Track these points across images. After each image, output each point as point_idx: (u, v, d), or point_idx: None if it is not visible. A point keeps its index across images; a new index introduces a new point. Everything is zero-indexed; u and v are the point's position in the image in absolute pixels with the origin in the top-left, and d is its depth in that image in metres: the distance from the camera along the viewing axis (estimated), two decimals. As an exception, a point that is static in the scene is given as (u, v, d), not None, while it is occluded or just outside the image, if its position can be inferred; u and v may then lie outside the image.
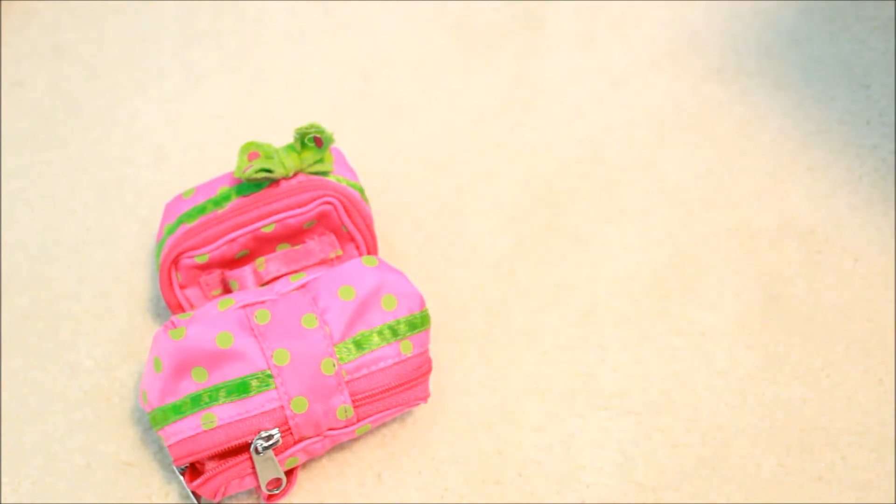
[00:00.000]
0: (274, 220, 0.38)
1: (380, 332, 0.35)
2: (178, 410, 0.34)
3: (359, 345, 0.35)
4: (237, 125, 0.49)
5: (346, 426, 0.35)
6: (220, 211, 0.38)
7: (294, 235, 0.39)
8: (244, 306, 0.36)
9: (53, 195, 0.47)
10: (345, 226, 0.39)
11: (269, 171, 0.38)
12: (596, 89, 0.50)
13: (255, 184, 0.39)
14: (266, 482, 0.35)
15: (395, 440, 0.39)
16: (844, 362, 0.41)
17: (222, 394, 0.34)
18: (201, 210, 0.39)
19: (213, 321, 0.35)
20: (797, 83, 0.50)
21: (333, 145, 0.39)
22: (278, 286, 0.37)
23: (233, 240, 0.38)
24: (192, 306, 0.40)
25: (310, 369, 0.34)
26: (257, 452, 0.34)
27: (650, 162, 0.47)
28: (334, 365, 0.35)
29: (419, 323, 0.36)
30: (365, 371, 0.35)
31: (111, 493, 0.38)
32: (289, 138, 0.48)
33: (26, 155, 0.49)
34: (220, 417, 0.34)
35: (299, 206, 0.38)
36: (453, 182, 0.47)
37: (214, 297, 0.40)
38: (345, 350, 0.35)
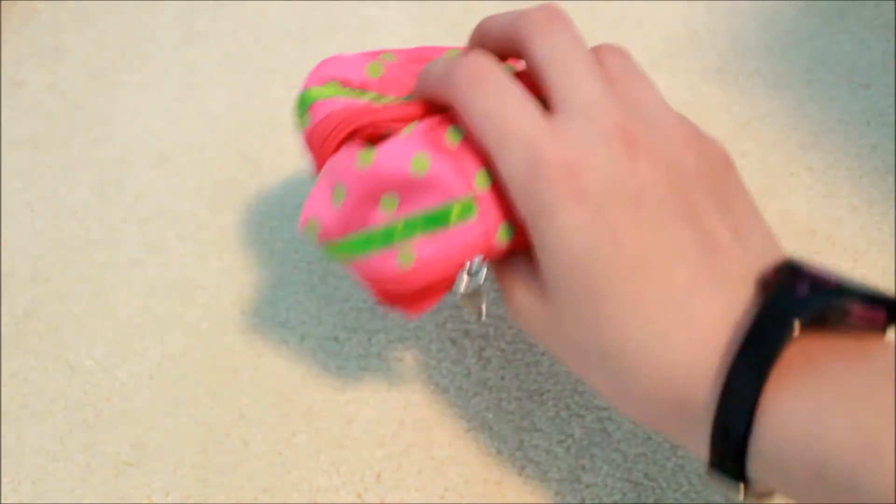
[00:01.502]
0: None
1: None
2: (366, 244, 0.30)
3: None
4: (237, 125, 0.49)
5: None
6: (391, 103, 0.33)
7: None
8: (431, 128, 0.31)
9: (53, 195, 0.47)
10: None
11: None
12: (596, 89, 0.50)
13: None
14: (472, 313, 0.31)
15: (394, 440, 0.39)
16: (844, 362, 0.41)
17: (420, 224, 0.29)
18: (361, 94, 0.33)
19: (405, 143, 0.30)
20: (797, 83, 0.50)
21: None
22: None
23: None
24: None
25: None
26: (464, 290, 0.30)
27: (650, 162, 0.47)
28: None
29: None
30: None
31: (111, 493, 0.38)
32: (288, 138, 0.48)
33: (26, 155, 0.49)
34: (420, 255, 0.29)
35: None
36: (453, 182, 0.47)
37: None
38: None
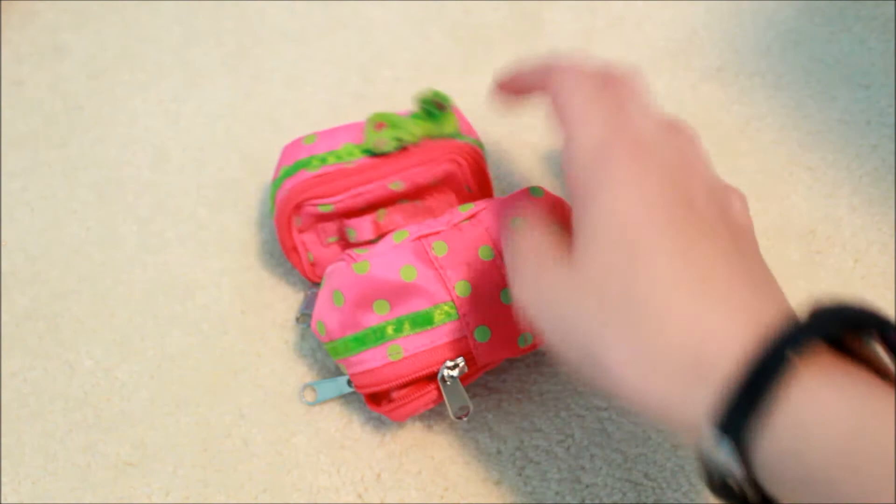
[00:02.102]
0: (402, 176, 0.39)
1: None
2: (361, 342, 0.35)
3: None
4: (237, 125, 0.49)
5: (524, 351, 0.36)
6: (347, 166, 0.39)
7: (418, 193, 0.40)
8: (420, 237, 0.36)
9: (53, 195, 0.47)
10: (467, 185, 0.41)
11: (400, 139, 0.39)
12: (596, 89, 0.50)
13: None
14: (455, 409, 0.36)
15: (394, 440, 0.39)
16: (844, 362, 0.41)
17: (408, 325, 0.35)
18: (323, 160, 0.40)
19: (395, 254, 0.36)
20: (797, 83, 0.50)
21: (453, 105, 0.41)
22: (448, 216, 0.38)
23: (358, 194, 0.39)
24: (306, 250, 0.40)
25: (490, 299, 0.35)
26: (444, 382, 0.35)
27: (650, 162, 0.47)
28: None
29: None
30: None
31: (111, 493, 0.38)
32: (289, 138, 0.48)
33: (26, 155, 0.49)
34: (407, 349, 0.35)
35: (429, 163, 0.39)
36: (453, 182, 0.47)
37: (330, 244, 0.41)
38: None
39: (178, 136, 0.49)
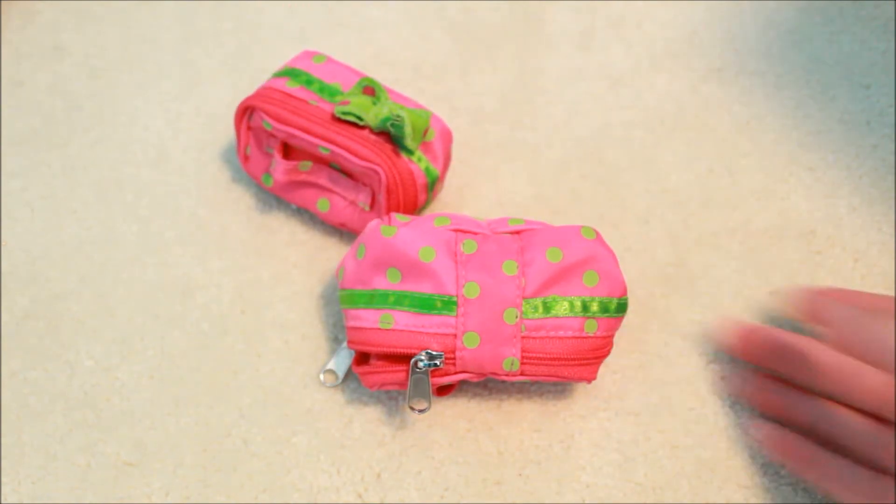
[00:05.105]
0: (333, 150, 0.40)
1: (571, 302, 0.36)
2: (364, 300, 0.36)
3: (547, 307, 0.36)
4: (237, 125, 0.49)
5: (506, 376, 0.36)
6: (313, 104, 0.41)
7: (344, 169, 0.42)
8: (457, 231, 0.37)
9: (53, 195, 0.47)
10: (364, 202, 0.41)
11: (358, 117, 0.40)
12: (596, 89, 0.50)
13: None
14: (412, 401, 0.36)
15: (394, 440, 0.39)
16: (844, 362, 0.41)
17: (407, 302, 0.35)
18: (307, 82, 0.42)
19: (425, 233, 0.36)
20: (797, 83, 0.50)
21: (441, 125, 0.42)
22: (494, 224, 0.38)
23: (294, 136, 0.41)
24: (246, 143, 0.44)
25: (493, 312, 0.35)
26: (415, 368, 0.35)
27: (650, 162, 0.47)
28: (517, 317, 0.35)
29: (612, 308, 0.36)
30: (543, 333, 0.36)
31: (111, 493, 0.38)
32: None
33: (26, 155, 0.49)
34: (398, 322, 0.35)
35: (356, 156, 0.40)
36: (453, 182, 0.47)
37: (269, 154, 0.43)
38: (532, 307, 0.35)
39: (178, 136, 0.49)
